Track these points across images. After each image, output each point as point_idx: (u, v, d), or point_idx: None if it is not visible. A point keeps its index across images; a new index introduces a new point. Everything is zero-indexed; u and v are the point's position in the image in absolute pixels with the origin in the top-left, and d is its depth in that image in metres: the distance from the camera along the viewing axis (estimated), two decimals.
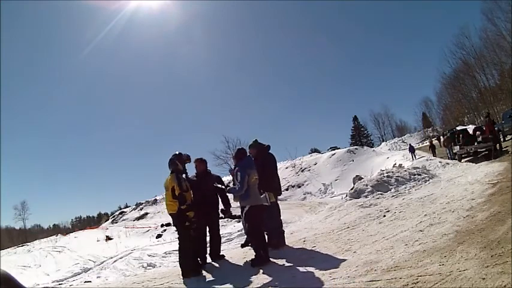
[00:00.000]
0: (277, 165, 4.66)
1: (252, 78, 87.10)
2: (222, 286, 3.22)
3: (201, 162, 4.47)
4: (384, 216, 4.78)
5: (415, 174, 7.64)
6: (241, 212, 3.86)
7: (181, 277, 3.70)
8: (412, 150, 19.51)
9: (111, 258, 9.19)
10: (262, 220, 3.83)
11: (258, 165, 3.96)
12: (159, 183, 4.02)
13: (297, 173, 24.17)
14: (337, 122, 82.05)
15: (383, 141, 48.34)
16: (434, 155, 16.46)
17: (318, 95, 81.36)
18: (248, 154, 4.12)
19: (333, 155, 24.71)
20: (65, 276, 8.27)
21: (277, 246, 4.18)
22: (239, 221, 5.06)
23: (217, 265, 4.12)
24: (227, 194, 4.47)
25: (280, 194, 4.59)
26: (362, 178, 10.20)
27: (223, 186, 4.26)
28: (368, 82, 77.81)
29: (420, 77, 70.95)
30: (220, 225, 4.68)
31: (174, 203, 3.76)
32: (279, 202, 4.56)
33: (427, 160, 11.87)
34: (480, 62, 32.99)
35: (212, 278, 3.57)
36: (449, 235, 3.11)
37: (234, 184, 3.98)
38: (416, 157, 17.36)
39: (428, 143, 22.61)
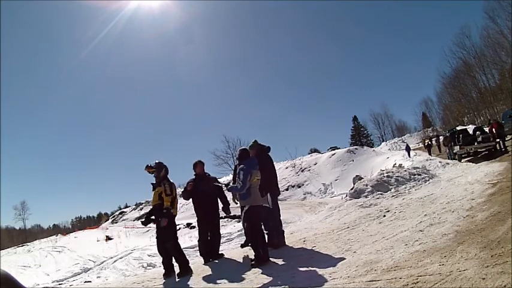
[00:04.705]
0: (277, 165, 4.68)
1: (252, 78, 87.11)
2: (221, 286, 3.23)
3: (200, 164, 4.56)
4: (384, 216, 4.78)
5: (415, 174, 7.64)
6: (241, 212, 3.86)
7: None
8: (408, 149, 20.60)
9: (111, 258, 9.22)
10: (262, 220, 3.84)
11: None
12: None
13: (297, 173, 24.18)
14: (337, 122, 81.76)
15: (383, 141, 48.26)
16: (430, 153, 17.87)
17: (317, 95, 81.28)
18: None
19: (333, 155, 24.72)
20: (65, 276, 8.29)
21: (277, 246, 4.19)
22: (239, 221, 5.08)
23: (216, 264, 4.12)
24: (225, 194, 4.53)
25: (279, 194, 4.62)
26: (362, 178, 10.20)
27: (223, 184, 4.34)
28: (368, 82, 77.67)
29: (420, 77, 70.78)
30: (220, 225, 4.73)
31: None
32: (279, 202, 4.58)
33: (427, 160, 11.88)
34: (480, 62, 32.96)
35: (212, 278, 3.57)
36: (449, 235, 3.11)
37: (235, 183, 3.99)
38: (411, 155, 18.42)
39: (424, 143, 24.20)
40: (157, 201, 3.90)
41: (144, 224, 4.15)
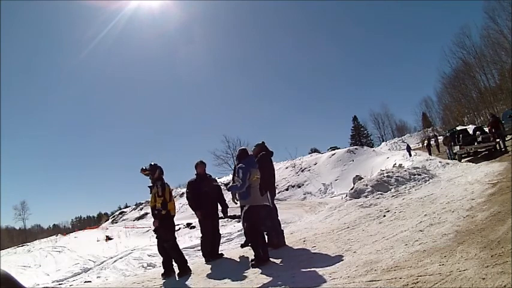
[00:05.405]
0: (277, 165, 4.74)
1: (252, 78, 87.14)
2: (221, 286, 3.23)
3: (201, 165, 4.62)
4: (384, 216, 4.78)
5: (415, 174, 7.63)
6: (241, 212, 3.87)
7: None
8: (409, 149, 21.06)
9: (111, 258, 9.21)
10: (261, 220, 3.84)
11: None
12: None
13: (297, 173, 24.16)
14: (337, 122, 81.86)
15: (383, 141, 48.27)
16: (430, 153, 18.14)
17: (317, 95, 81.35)
18: (250, 153, 4.18)
19: (333, 155, 24.71)
20: (65, 276, 8.29)
21: (277, 246, 4.19)
22: (239, 221, 5.11)
23: (216, 264, 4.13)
24: (224, 198, 4.58)
25: (275, 195, 4.68)
26: (362, 178, 10.19)
27: (222, 184, 4.40)
28: (368, 82, 77.72)
29: (420, 77, 70.83)
30: (220, 225, 4.77)
31: None
32: (277, 202, 4.61)
33: (427, 160, 11.87)
34: (480, 62, 32.99)
35: (212, 278, 3.57)
36: (449, 235, 3.11)
37: (234, 182, 4.00)
38: (412, 155, 18.74)
39: (423, 144, 25.08)
40: (154, 202, 3.91)
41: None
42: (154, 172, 3.99)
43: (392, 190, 6.77)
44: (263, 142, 4.59)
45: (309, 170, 23.83)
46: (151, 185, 4.02)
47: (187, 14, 77.27)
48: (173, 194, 4.18)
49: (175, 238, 4.04)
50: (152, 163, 4.04)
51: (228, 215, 4.86)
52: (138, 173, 4.01)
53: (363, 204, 5.97)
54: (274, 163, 4.73)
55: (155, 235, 4.02)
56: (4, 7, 67.71)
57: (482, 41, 31.61)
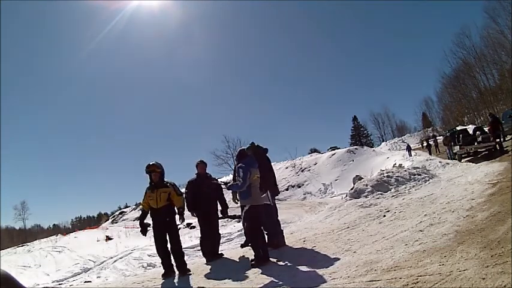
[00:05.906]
0: (277, 165, 4.74)
1: (252, 77, 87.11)
2: (221, 286, 3.23)
3: (201, 164, 4.62)
4: (384, 216, 4.78)
5: (415, 174, 7.63)
6: (241, 212, 3.87)
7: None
8: (409, 149, 21.36)
9: (111, 258, 9.20)
10: (262, 220, 3.85)
11: None
12: None
13: (297, 173, 24.15)
14: (337, 122, 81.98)
15: (383, 141, 48.28)
16: (430, 153, 18.59)
17: (317, 95, 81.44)
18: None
19: (333, 155, 24.70)
20: (65, 276, 8.27)
21: (277, 246, 4.19)
22: (239, 221, 5.13)
23: (216, 264, 4.12)
24: (224, 197, 4.59)
25: (278, 193, 4.65)
26: (362, 178, 10.18)
27: (221, 183, 4.41)
28: (368, 82, 77.77)
29: (420, 77, 70.92)
30: (220, 225, 4.77)
31: None
32: (277, 202, 4.61)
33: (427, 160, 11.87)
34: (480, 62, 33.02)
35: (212, 278, 3.57)
36: (449, 235, 3.11)
37: (235, 181, 4.02)
38: (412, 155, 18.92)
39: (424, 144, 25.57)
40: (165, 202, 3.85)
41: (144, 233, 4.01)
42: (163, 171, 3.98)
43: (392, 190, 6.77)
44: (253, 143, 4.52)
45: (309, 170, 23.81)
46: (154, 184, 3.93)
47: (187, 14, 77.40)
48: None
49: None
50: (156, 162, 4.01)
51: (228, 215, 4.86)
52: (138, 172, 3.97)
53: (363, 204, 5.97)
54: (274, 163, 4.73)
55: (162, 233, 3.84)
56: (4, 7, 67.78)
57: (482, 41, 31.71)
